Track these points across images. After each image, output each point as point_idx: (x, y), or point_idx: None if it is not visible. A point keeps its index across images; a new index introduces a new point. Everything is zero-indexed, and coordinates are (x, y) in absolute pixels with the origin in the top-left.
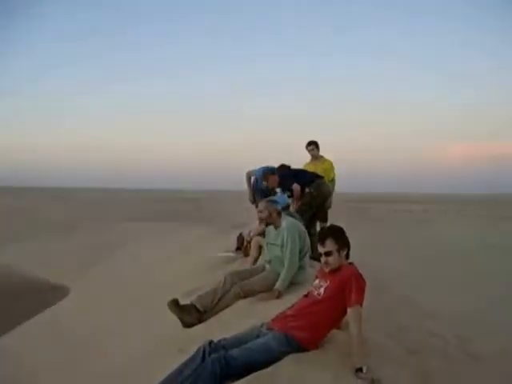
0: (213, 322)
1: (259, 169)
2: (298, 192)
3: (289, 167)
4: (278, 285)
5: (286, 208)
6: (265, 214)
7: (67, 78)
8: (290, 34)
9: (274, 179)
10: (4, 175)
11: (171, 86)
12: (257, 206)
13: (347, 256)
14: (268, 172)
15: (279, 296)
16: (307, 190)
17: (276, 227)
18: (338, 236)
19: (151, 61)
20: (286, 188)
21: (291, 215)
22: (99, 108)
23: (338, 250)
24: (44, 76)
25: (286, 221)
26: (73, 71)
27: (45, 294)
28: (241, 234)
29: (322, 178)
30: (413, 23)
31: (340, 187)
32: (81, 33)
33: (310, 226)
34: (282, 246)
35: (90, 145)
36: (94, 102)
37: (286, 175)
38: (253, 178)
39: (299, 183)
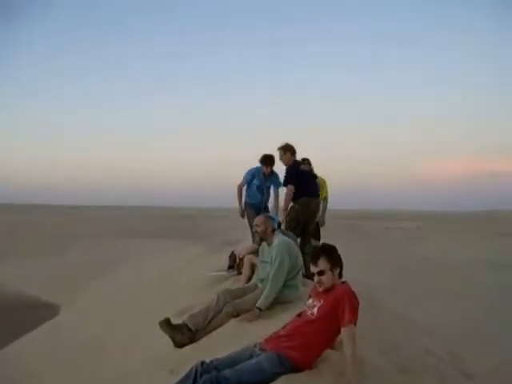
0: (205, 341)
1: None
2: (290, 195)
3: (301, 164)
4: (259, 303)
5: (278, 226)
6: (261, 229)
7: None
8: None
9: (290, 159)
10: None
11: (169, 99)
12: (248, 217)
13: (340, 275)
14: (288, 148)
15: (260, 315)
16: (292, 204)
17: (269, 244)
18: (331, 255)
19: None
20: (285, 181)
21: (285, 234)
22: (94, 123)
23: (331, 269)
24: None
25: (278, 238)
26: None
27: (36, 312)
28: (233, 253)
29: (315, 196)
30: (410, 33)
31: (332, 204)
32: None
33: (303, 244)
34: (271, 263)
35: (88, 161)
36: (92, 116)
37: (295, 170)
38: (244, 184)
39: (300, 187)
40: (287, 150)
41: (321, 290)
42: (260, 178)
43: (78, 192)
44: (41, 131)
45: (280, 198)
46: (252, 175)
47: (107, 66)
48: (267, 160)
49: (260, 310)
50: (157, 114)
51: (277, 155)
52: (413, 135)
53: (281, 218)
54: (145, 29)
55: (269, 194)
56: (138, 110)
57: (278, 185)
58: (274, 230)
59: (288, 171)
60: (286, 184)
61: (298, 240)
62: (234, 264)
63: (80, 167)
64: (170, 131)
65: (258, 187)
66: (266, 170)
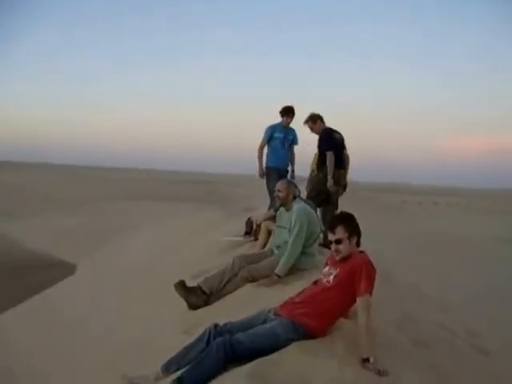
0: (219, 305)
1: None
2: (332, 161)
3: (334, 132)
4: (277, 269)
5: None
6: (283, 194)
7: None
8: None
9: (321, 125)
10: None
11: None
12: (267, 181)
13: (358, 244)
14: (317, 116)
15: (278, 281)
16: (316, 172)
17: (287, 210)
18: (349, 223)
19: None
20: (324, 148)
21: (305, 201)
22: (119, 91)
23: (349, 238)
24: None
25: (297, 205)
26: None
27: (52, 270)
28: (249, 219)
29: (343, 167)
30: (422, 21)
31: (353, 176)
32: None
33: (325, 213)
34: (290, 229)
35: (106, 123)
36: (118, 82)
37: (330, 136)
38: (265, 142)
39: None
40: (316, 118)
41: (338, 258)
42: (282, 131)
43: (99, 153)
44: (66, 92)
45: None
46: (272, 129)
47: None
48: (287, 110)
49: (279, 276)
50: (182, 81)
51: (305, 129)
52: (438, 110)
53: (328, 184)
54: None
55: (290, 152)
56: (163, 76)
57: (295, 142)
58: (295, 197)
59: (324, 137)
60: (325, 150)
61: (319, 210)
62: (251, 230)
63: (103, 130)
64: (191, 96)
65: (281, 141)
66: (286, 120)
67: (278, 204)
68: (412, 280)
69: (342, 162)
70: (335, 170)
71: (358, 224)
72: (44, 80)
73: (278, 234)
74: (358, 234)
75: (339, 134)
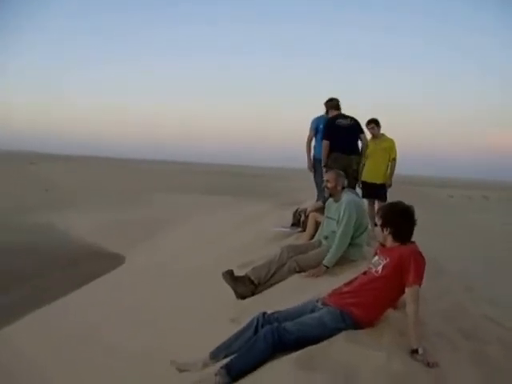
0: (266, 294)
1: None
2: (324, 150)
3: (338, 118)
4: (325, 260)
5: None
6: (331, 184)
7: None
8: None
9: (330, 113)
10: (67, 143)
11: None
12: (314, 174)
13: (397, 236)
14: (328, 102)
15: (327, 272)
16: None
17: (336, 201)
18: (383, 213)
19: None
20: (321, 136)
21: (354, 192)
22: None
23: (382, 228)
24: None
25: (346, 196)
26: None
27: (101, 261)
28: (297, 210)
29: (348, 152)
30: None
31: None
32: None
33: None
34: (338, 220)
35: (160, 116)
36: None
37: (330, 124)
38: (313, 135)
39: (332, 142)
40: (326, 105)
41: (387, 245)
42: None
43: (143, 146)
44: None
45: None
46: (318, 121)
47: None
48: (331, 105)
49: (327, 267)
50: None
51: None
52: (478, 105)
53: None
54: None
55: None
56: (214, 70)
57: None
58: (343, 188)
59: (325, 125)
60: (321, 138)
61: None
62: (298, 221)
63: (133, 122)
64: (236, 88)
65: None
66: (330, 114)
67: (326, 195)
68: (463, 274)
69: (346, 147)
70: (340, 155)
71: (394, 216)
72: None
73: (326, 225)
74: (392, 226)
75: (348, 119)
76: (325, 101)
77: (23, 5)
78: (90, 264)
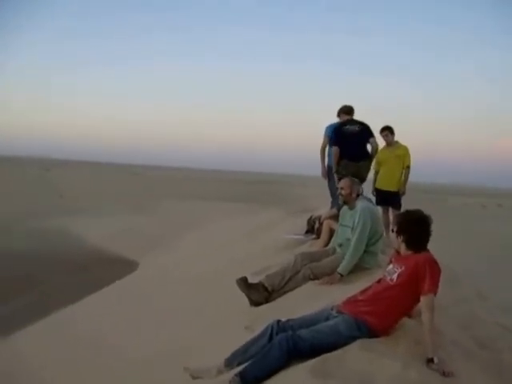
0: (280, 302)
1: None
2: (335, 156)
3: (346, 124)
4: (340, 268)
5: None
6: (346, 192)
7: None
8: None
9: (341, 119)
10: (81, 149)
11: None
12: (329, 181)
13: (411, 244)
14: (340, 108)
15: (341, 280)
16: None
17: (350, 208)
18: (398, 221)
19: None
20: (330, 142)
21: (368, 200)
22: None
23: (397, 235)
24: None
25: (361, 203)
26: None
27: (114, 267)
28: (311, 217)
29: (356, 160)
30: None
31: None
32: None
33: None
34: (353, 228)
35: (164, 122)
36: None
37: (336, 130)
38: (327, 142)
39: (340, 149)
40: (339, 111)
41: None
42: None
43: (150, 152)
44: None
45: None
46: (331, 128)
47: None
48: (342, 110)
49: (341, 275)
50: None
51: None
52: (492, 113)
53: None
54: None
55: None
56: (225, 77)
57: None
58: (358, 195)
59: (332, 132)
60: (330, 145)
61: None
62: (312, 229)
63: (163, 130)
64: (247, 93)
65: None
66: (341, 119)
67: (340, 202)
68: (478, 283)
69: (354, 154)
70: (348, 162)
71: (408, 224)
72: None
73: (340, 233)
74: (406, 234)
75: (357, 125)
76: (340, 108)
77: (23, 4)
78: (102, 270)
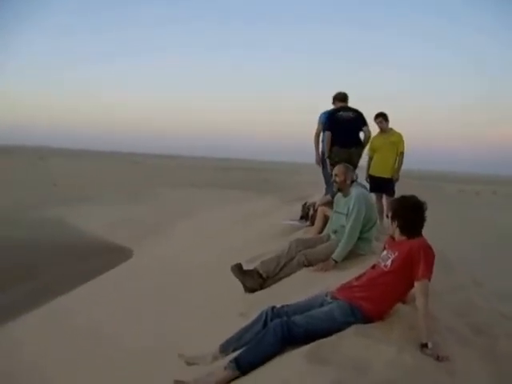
0: (275, 288)
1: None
2: (327, 142)
3: (339, 111)
4: (335, 255)
5: None
6: (340, 179)
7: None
8: None
9: (335, 105)
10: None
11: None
12: (323, 168)
13: (404, 229)
14: (334, 97)
15: (336, 266)
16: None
17: (345, 195)
18: (393, 206)
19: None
20: (324, 128)
21: (363, 186)
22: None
23: (391, 220)
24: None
25: (355, 190)
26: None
27: (110, 255)
28: (306, 203)
29: (348, 146)
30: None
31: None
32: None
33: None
34: (347, 214)
35: (166, 108)
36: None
37: (329, 116)
38: (321, 129)
39: (332, 136)
40: (333, 98)
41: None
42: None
43: (148, 140)
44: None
45: None
46: (325, 115)
47: None
48: (336, 97)
49: (336, 262)
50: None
51: None
52: (490, 101)
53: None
54: None
55: None
56: (213, 66)
57: None
58: (352, 182)
59: (327, 115)
60: (323, 130)
61: None
62: (307, 214)
63: (156, 117)
64: (247, 82)
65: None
66: (335, 106)
67: (335, 189)
68: (473, 270)
69: (346, 141)
70: (340, 149)
71: (402, 209)
72: None
73: (335, 220)
74: (400, 219)
75: (351, 112)
76: (335, 95)
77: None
78: (98, 258)
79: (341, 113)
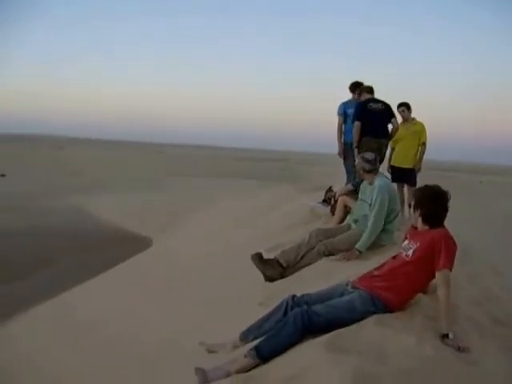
0: (294, 278)
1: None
2: (356, 132)
3: (370, 102)
4: (358, 244)
5: None
6: (358, 171)
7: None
8: None
9: (361, 96)
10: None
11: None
12: (345, 159)
13: (427, 219)
14: (359, 85)
15: (358, 256)
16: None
17: (370, 184)
18: (416, 195)
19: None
20: (352, 118)
21: (385, 176)
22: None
23: (414, 209)
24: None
25: (379, 180)
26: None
27: (128, 244)
28: (330, 188)
29: (378, 136)
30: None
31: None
32: None
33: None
34: (371, 204)
35: (187, 99)
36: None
37: (360, 107)
38: (341, 120)
39: (362, 126)
40: (356, 87)
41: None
42: (354, 106)
43: (170, 129)
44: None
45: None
46: (345, 106)
47: None
48: (356, 85)
49: (360, 252)
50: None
51: None
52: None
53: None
54: None
55: None
56: (228, 56)
57: None
58: (369, 171)
59: (355, 108)
60: (353, 121)
61: None
62: (329, 199)
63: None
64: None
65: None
66: (354, 96)
67: (358, 179)
68: (494, 260)
69: (377, 131)
70: (370, 139)
71: (426, 198)
72: None
73: (359, 207)
74: (423, 208)
75: (380, 103)
76: (349, 85)
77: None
78: (116, 247)
79: (371, 104)
